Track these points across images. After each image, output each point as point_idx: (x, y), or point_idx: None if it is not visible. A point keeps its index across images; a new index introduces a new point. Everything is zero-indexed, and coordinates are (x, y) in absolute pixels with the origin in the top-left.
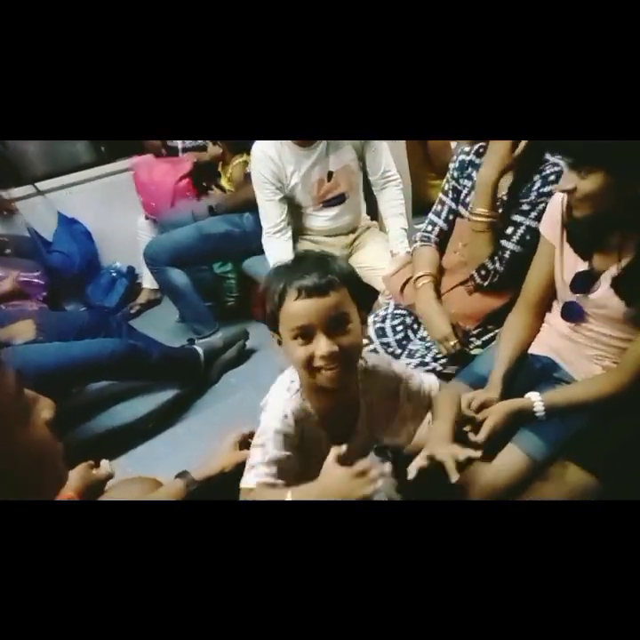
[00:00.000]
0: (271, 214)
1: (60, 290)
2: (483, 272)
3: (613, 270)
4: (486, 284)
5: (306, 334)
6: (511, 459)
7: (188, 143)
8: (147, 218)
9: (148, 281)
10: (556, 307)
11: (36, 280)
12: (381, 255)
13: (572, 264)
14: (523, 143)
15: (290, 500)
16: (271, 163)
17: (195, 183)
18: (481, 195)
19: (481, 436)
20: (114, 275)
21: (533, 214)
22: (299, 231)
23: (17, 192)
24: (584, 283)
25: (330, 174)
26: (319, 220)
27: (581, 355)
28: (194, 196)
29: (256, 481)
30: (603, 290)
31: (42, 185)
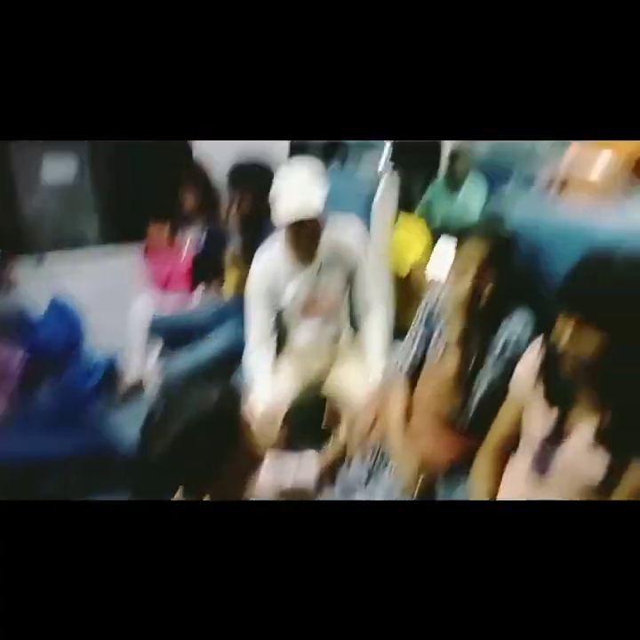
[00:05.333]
0: (259, 326)
1: (38, 371)
2: (451, 423)
3: (585, 425)
4: (455, 433)
5: None
6: None
7: (194, 245)
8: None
9: (134, 369)
10: (524, 452)
11: (13, 361)
12: (357, 378)
13: (543, 416)
14: (486, 292)
15: None
16: (270, 276)
17: (194, 278)
18: (449, 353)
19: None
20: (95, 362)
21: (500, 366)
22: (281, 344)
23: (17, 263)
24: (555, 435)
25: (318, 293)
26: (302, 335)
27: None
28: (187, 288)
29: None
30: (572, 443)
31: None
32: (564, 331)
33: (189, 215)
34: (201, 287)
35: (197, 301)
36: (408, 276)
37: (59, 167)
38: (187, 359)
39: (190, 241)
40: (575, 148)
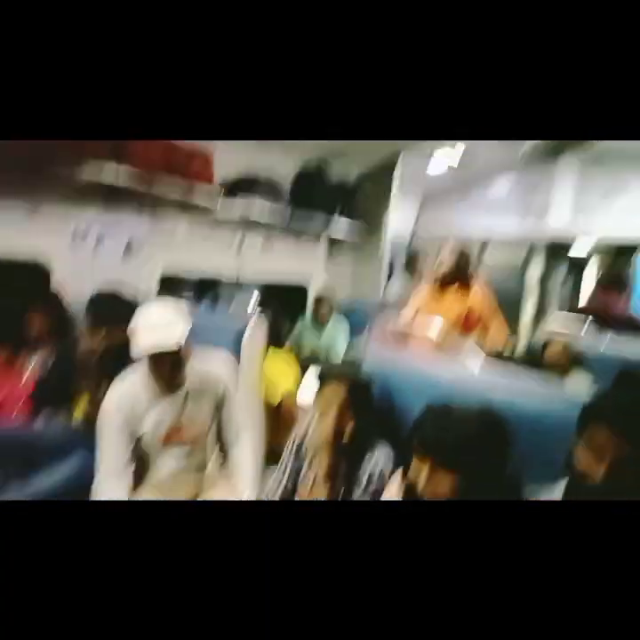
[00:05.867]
0: (112, 455)
1: None
2: None
3: None
4: None
5: None
6: None
7: (39, 369)
8: None
9: None
10: None
11: None
12: None
13: None
14: (349, 429)
15: None
16: (128, 404)
17: (37, 403)
18: (318, 485)
19: None
20: None
21: (367, 498)
22: (141, 471)
23: None
24: None
25: (183, 422)
26: (165, 463)
27: None
28: (26, 413)
29: None
30: None
31: None
32: (420, 473)
33: (36, 339)
34: (45, 413)
35: (39, 427)
36: (279, 404)
37: None
38: (21, 491)
39: (34, 365)
40: (411, 308)
